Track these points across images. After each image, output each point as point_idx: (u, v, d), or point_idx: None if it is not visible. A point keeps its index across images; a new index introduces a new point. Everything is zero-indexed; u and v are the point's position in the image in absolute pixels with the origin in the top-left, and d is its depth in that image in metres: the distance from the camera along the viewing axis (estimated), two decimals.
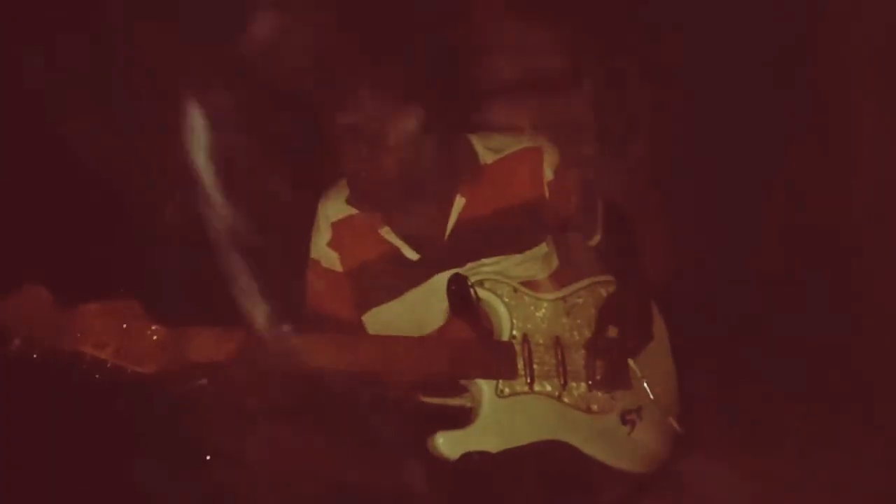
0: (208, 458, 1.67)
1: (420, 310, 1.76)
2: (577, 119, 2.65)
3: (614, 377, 1.76)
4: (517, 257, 1.78)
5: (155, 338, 1.44)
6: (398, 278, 1.76)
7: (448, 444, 1.60)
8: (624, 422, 1.77)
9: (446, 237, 1.77)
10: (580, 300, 1.81)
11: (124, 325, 1.42)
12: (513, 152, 1.81)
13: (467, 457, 1.60)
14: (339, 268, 1.80)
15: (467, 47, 2.60)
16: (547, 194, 1.81)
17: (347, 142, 1.66)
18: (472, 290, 1.70)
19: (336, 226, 1.80)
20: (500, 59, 2.70)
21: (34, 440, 1.89)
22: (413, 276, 1.76)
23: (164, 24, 1.97)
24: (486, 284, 1.72)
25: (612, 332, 1.78)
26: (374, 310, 1.78)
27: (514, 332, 1.72)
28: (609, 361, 1.76)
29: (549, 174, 1.81)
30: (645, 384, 1.79)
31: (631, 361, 1.80)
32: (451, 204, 1.76)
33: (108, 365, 1.41)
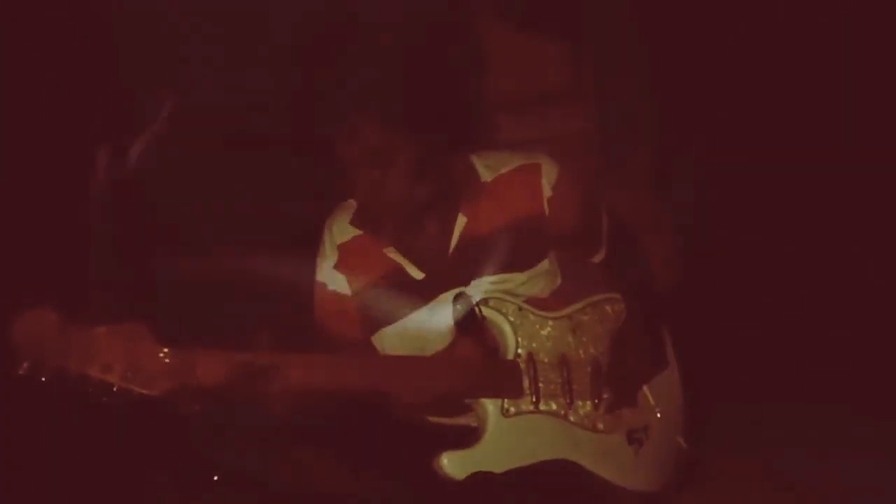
0: (216, 478, 1.68)
1: (425, 330, 1.76)
2: (580, 132, 2.66)
3: (621, 394, 1.76)
4: (521, 276, 1.79)
5: (163, 361, 1.44)
6: (403, 298, 1.77)
7: (453, 464, 1.60)
8: (630, 441, 1.77)
9: (449, 256, 1.77)
10: (586, 318, 1.81)
11: (131, 348, 1.43)
12: (511, 169, 1.82)
13: (473, 477, 1.60)
14: (347, 290, 1.81)
15: (471, 64, 2.62)
16: (546, 210, 1.81)
17: (358, 166, 1.67)
18: (476, 309, 1.71)
19: (342, 248, 1.81)
20: (503, 74, 2.72)
21: (41, 460, 1.90)
22: (418, 295, 1.77)
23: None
24: (491, 303, 1.72)
25: (619, 348, 1.78)
26: (382, 331, 1.79)
27: (520, 351, 1.72)
28: (615, 378, 1.76)
29: (547, 190, 1.81)
30: (652, 402, 1.79)
31: (645, 387, 1.80)
32: (453, 223, 1.77)
33: (115, 388, 1.42)
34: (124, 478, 1.96)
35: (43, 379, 1.37)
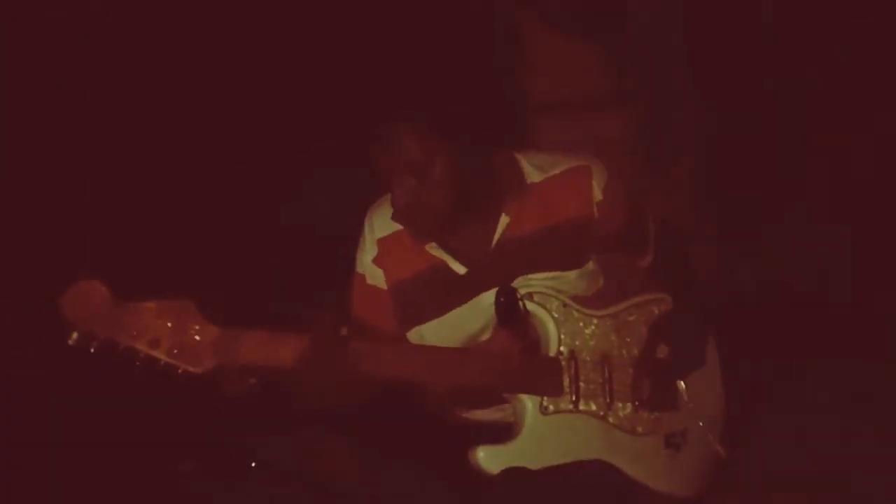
0: (253, 464, 1.69)
1: (466, 327, 1.75)
2: (622, 138, 2.62)
3: (661, 398, 1.74)
4: (572, 273, 1.76)
5: (209, 338, 1.46)
6: (444, 294, 1.75)
7: (489, 458, 1.60)
8: (668, 445, 1.75)
9: (491, 253, 1.75)
10: (631, 318, 1.78)
11: (180, 325, 1.44)
12: (561, 171, 1.78)
13: (508, 472, 1.60)
14: (383, 285, 1.80)
15: (514, 68, 2.59)
16: (596, 214, 1.78)
17: (394, 174, 1.65)
18: (521, 303, 1.69)
19: (382, 242, 1.80)
20: (546, 77, 2.68)
21: (86, 429, 1.94)
22: (459, 292, 1.75)
23: None
24: (536, 297, 1.70)
25: (662, 351, 1.76)
26: (421, 327, 1.78)
27: (562, 348, 1.70)
28: (657, 381, 1.74)
29: (598, 194, 1.78)
30: (692, 408, 1.77)
31: (680, 383, 1.77)
32: (496, 222, 1.75)
33: (161, 363, 1.44)
34: (154, 463, 1.99)
35: (91, 350, 1.39)
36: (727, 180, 2.53)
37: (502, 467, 1.59)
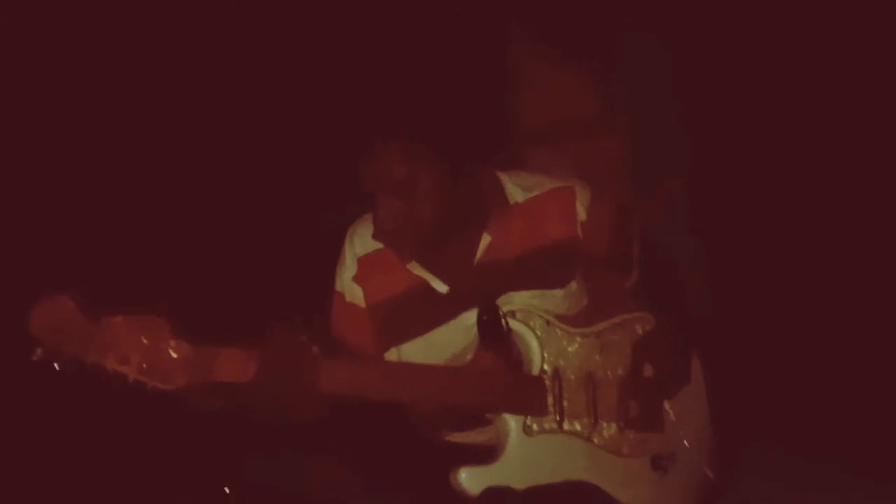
0: (227, 490, 1.64)
1: (448, 347, 1.72)
2: (610, 161, 2.62)
3: (648, 418, 1.70)
4: (559, 292, 1.73)
5: (179, 355, 1.41)
6: (426, 314, 1.73)
7: (470, 478, 1.55)
8: (655, 467, 1.70)
9: (473, 272, 1.73)
10: (615, 337, 1.75)
11: (149, 341, 1.40)
12: (544, 192, 1.78)
13: (489, 492, 1.55)
14: (362, 303, 1.77)
15: (502, 92, 2.59)
16: (580, 234, 1.77)
17: (380, 195, 1.63)
18: (503, 321, 1.66)
19: (362, 260, 1.77)
20: (534, 100, 2.69)
21: (50, 448, 1.88)
22: (441, 311, 1.72)
23: None
24: (519, 315, 1.67)
25: (648, 371, 1.72)
26: (398, 347, 1.75)
27: (546, 367, 1.66)
28: (643, 401, 1.70)
29: (582, 214, 1.77)
30: (680, 429, 1.73)
31: (666, 403, 1.73)
32: (477, 241, 1.73)
33: (130, 380, 1.39)
34: (138, 483, 1.94)
35: (56, 367, 1.35)
36: (713, 202, 2.53)
37: (483, 487, 1.55)
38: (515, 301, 1.70)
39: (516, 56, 2.67)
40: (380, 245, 1.76)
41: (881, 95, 2.45)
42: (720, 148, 2.58)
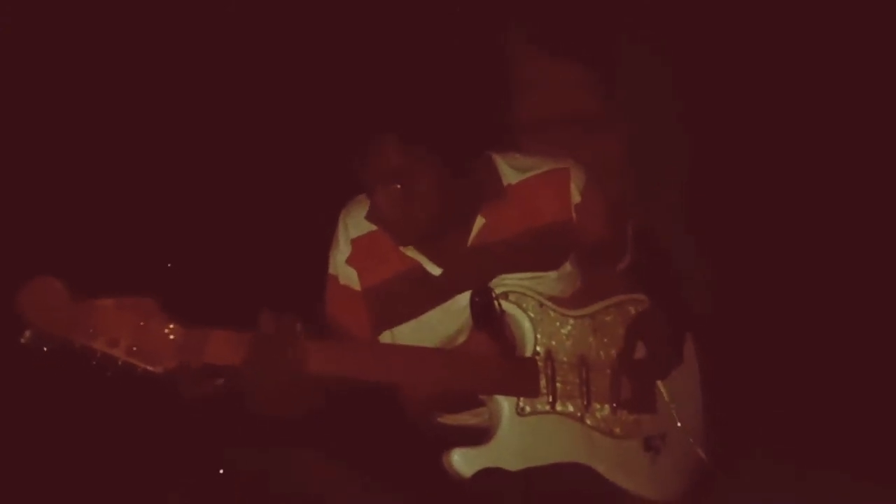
0: (221, 471, 1.64)
1: (441, 330, 1.71)
2: (608, 159, 2.60)
3: (640, 398, 1.70)
4: (553, 274, 1.73)
5: (170, 337, 1.40)
6: (419, 296, 1.72)
7: (463, 460, 1.55)
8: (647, 448, 1.70)
9: (466, 254, 1.72)
10: (608, 318, 1.75)
11: (139, 323, 1.39)
12: (538, 173, 1.76)
13: (483, 473, 1.55)
14: (356, 286, 1.76)
15: (499, 86, 2.57)
16: (574, 216, 1.76)
17: (379, 182, 1.62)
18: (496, 302, 1.65)
19: (356, 242, 1.76)
20: (531, 97, 2.66)
21: (39, 436, 1.87)
22: (434, 294, 1.72)
23: None
24: (511, 297, 1.66)
25: (640, 351, 1.72)
26: (395, 329, 1.74)
27: (538, 349, 1.66)
28: (635, 381, 1.70)
29: (576, 196, 1.76)
30: (672, 410, 1.73)
31: (660, 383, 1.74)
32: (471, 223, 1.72)
33: (120, 363, 1.38)
34: (129, 473, 1.93)
35: (45, 349, 1.34)
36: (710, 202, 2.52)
37: (476, 469, 1.55)
38: (508, 283, 1.69)
39: (515, 54, 2.65)
40: (373, 227, 1.75)
41: (878, 92, 2.44)
42: (718, 147, 2.57)
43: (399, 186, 1.61)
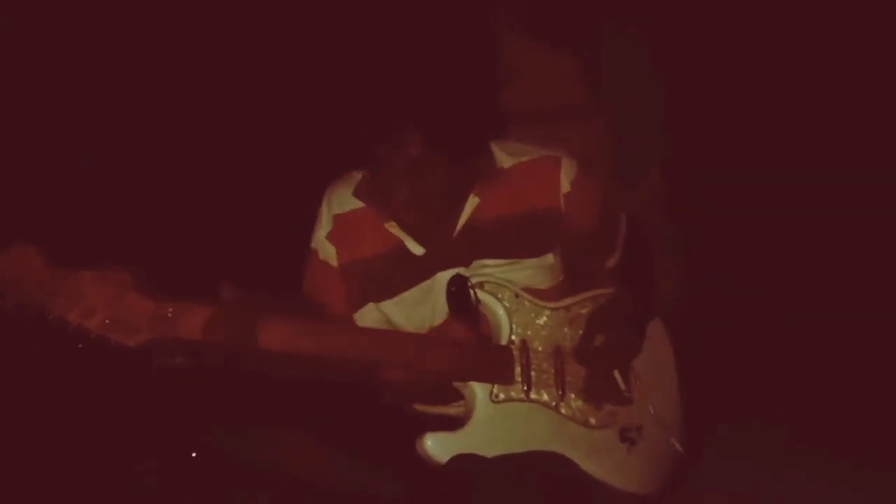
0: (193, 455, 1.62)
1: (418, 309, 1.72)
2: (594, 149, 2.63)
3: (597, 387, 1.69)
4: (524, 263, 1.74)
5: (144, 311, 1.41)
6: (399, 275, 1.72)
7: (437, 445, 1.54)
8: (623, 439, 1.70)
9: (455, 235, 1.73)
10: (584, 311, 1.76)
11: (115, 296, 1.39)
12: (531, 159, 1.77)
13: (457, 459, 1.54)
14: (334, 262, 1.77)
15: (490, 75, 2.61)
16: (563, 205, 1.77)
17: (394, 173, 1.63)
18: (472, 292, 1.66)
19: (338, 218, 1.77)
20: (520, 88, 2.70)
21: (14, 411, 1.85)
22: (415, 273, 1.72)
23: None
24: (487, 287, 1.68)
25: (599, 340, 1.72)
26: (368, 307, 1.74)
27: (513, 338, 1.67)
28: (591, 370, 1.69)
29: (565, 185, 1.77)
30: (648, 403, 1.73)
31: (633, 376, 1.74)
32: (463, 203, 1.73)
33: (93, 335, 1.38)
34: (113, 462, 1.91)
35: (17, 318, 1.34)
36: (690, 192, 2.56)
37: (451, 455, 1.54)
38: (485, 272, 1.70)
39: (504, 43, 2.69)
40: (360, 204, 1.76)
41: (860, 84, 2.50)
42: (702, 138, 2.61)
43: (415, 178, 1.61)
